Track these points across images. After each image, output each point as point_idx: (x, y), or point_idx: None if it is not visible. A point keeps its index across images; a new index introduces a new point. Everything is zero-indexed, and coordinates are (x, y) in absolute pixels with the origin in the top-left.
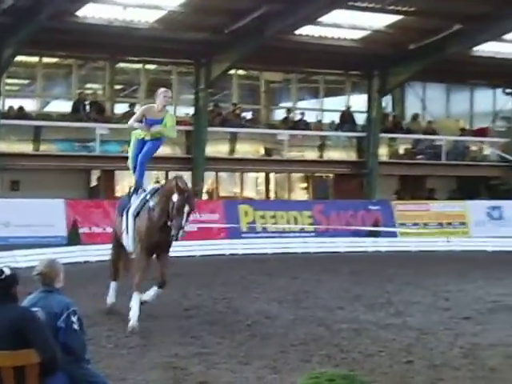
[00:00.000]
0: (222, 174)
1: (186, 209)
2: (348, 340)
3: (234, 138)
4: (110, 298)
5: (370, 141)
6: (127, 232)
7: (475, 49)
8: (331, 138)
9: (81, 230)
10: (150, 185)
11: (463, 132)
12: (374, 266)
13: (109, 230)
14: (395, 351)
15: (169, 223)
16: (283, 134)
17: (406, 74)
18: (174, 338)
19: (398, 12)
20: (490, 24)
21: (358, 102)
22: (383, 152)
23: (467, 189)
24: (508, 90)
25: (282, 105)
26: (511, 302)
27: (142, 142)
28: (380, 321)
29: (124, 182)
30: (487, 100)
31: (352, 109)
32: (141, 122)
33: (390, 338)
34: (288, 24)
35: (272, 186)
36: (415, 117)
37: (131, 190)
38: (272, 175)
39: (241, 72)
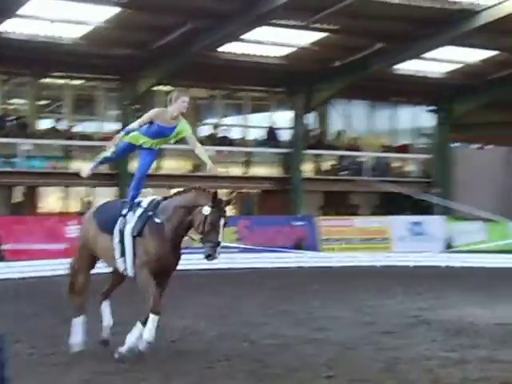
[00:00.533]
0: (149, 190)
1: (222, 222)
2: (272, 355)
3: (160, 154)
4: (79, 337)
5: (294, 157)
6: (124, 255)
7: (397, 67)
8: (256, 154)
9: (4, 247)
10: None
11: (386, 148)
12: (298, 282)
13: (34, 246)
14: (317, 366)
15: (196, 238)
16: (209, 150)
17: (330, 90)
18: (97, 354)
19: (322, 30)
20: (411, 43)
21: (283, 119)
22: (308, 168)
23: (390, 204)
24: (429, 108)
25: (207, 121)
26: (431, 316)
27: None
28: (303, 336)
29: (48, 199)
30: (409, 117)
31: (277, 125)
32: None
33: (312, 352)
34: (213, 41)
35: None
36: (339, 133)
37: (123, 206)
38: None
39: (167, 88)
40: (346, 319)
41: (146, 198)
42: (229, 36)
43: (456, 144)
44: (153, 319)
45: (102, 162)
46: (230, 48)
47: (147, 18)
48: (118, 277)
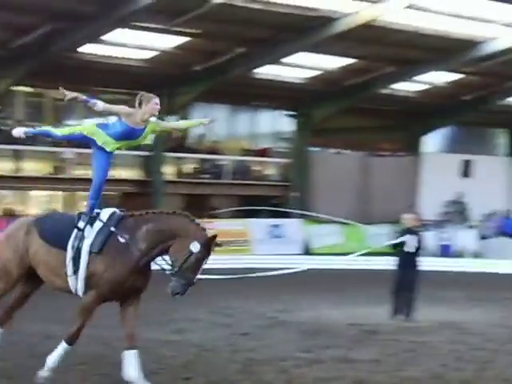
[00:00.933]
0: (6, 193)
1: (204, 263)
2: None
3: (19, 156)
4: None
5: (155, 160)
6: (76, 272)
7: (257, 71)
8: (117, 156)
9: None
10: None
11: (246, 152)
12: (157, 284)
13: None
14: (175, 368)
15: (169, 272)
16: (68, 152)
17: (192, 94)
18: None
19: (184, 34)
20: (271, 48)
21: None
22: (170, 171)
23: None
24: (288, 112)
25: (68, 122)
26: (287, 317)
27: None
28: (161, 338)
29: None
30: (269, 121)
31: None
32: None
33: (170, 355)
34: (73, 41)
35: (59, 205)
36: (200, 137)
37: (81, 219)
38: (59, 193)
39: (26, 89)
40: (204, 321)
41: (104, 209)
42: (89, 37)
43: (314, 148)
44: (64, 347)
45: (41, 134)
46: (91, 49)
47: (6, 17)
48: (19, 299)
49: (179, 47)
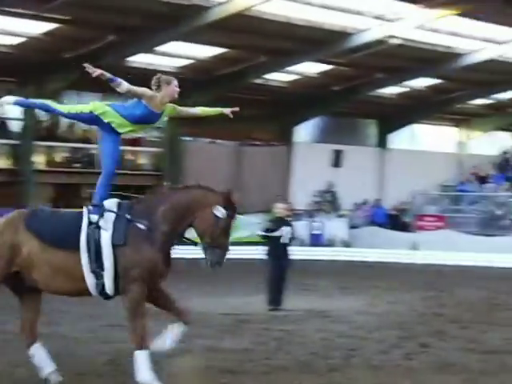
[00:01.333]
0: None
1: (233, 224)
2: None
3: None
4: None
5: (24, 148)
6: (97, 270)
7: (129, 60)
8: None
9: None
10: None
11: None
12: None
13: None
14: None
15: (202, 246)
16: None
17: (61, 82)
18: None
19: (53, 20)
20: (143, 36)
21: (14, 109)
22: (40, 160)
23: (126, 197)
24: None
25: None
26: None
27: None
28: None
29: None
30: None
31: (7, 115)
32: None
33: None
34: None
35: None
36: (71, 125)
37: (91, 211)
38: None
39: None
40: (73, 313)
41: (108, 200)
42: None
43: (187, 138)
44: (141, 356)
45: (37, 107)
46: None
47: None
48: (33, 310)
49: (48, 33)
